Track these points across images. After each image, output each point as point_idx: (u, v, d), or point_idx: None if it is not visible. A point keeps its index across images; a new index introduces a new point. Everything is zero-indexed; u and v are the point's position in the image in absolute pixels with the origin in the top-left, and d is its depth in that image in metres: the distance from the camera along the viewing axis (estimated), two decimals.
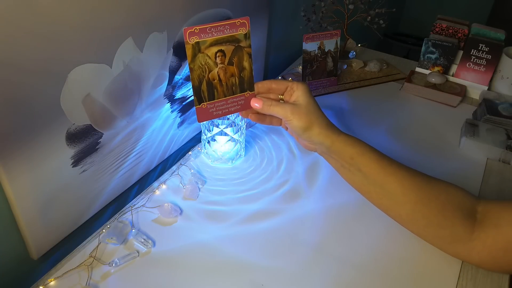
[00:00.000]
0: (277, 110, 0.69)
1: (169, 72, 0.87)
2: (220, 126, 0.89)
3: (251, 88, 0.73)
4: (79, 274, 0.70)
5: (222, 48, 0.69)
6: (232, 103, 0.74)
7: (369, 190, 0.73)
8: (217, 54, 0.69)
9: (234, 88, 0.72)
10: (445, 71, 1.29)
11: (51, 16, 0.59)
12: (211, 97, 0.72)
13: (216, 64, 0.69)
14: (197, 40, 0.66)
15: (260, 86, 0.72)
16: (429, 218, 0.68)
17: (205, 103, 0.72)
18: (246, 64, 0.72)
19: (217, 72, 0.70)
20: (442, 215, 0.67)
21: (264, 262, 0.74)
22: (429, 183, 0.70)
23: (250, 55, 0.71)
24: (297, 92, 0.69)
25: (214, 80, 0.70)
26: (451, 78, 1.29)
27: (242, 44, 0.70)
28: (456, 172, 0.97)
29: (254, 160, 0.97)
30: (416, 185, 0.69)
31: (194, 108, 1.00)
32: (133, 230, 0.77)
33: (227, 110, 0.74)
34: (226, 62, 0.70)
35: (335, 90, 1.25)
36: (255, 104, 0.70)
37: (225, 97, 0.72)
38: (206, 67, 0.69)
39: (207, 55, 0.68)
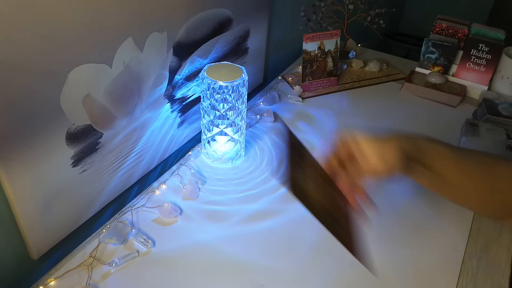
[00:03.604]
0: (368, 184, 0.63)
1: (169, 72, 0.87)
2: (220, 126, 0.89)
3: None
4: (79, 274, 0.70)
5: None
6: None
7: (443, 190, 0.68)
8: None
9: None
10: (445, 71, 1.29)
11: (51, 16, 0.59)
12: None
13: None
14: None
15: (330, 164, 0.65)
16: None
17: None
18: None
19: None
20: None
21: (264, 262, 0.74)
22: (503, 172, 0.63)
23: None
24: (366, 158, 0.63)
25: None
26: (451, 78, 1.29)
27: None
28: None
29: (254, 160, 0.97)
30: (492, 178, 0.63)
31: (194, 108, 1.01)
32: (133, 230, 0.77)
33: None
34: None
35: (335, 90, 1.25)
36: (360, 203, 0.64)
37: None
38: None
39: None
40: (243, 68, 0.88)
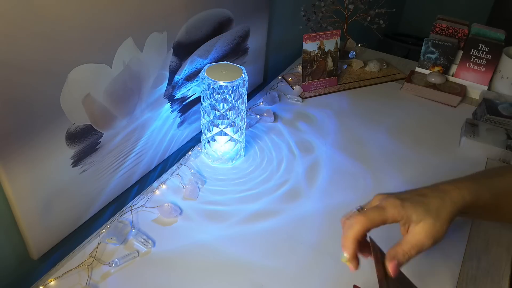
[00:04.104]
0: (404, 257, 0.57)
1: (169, 72, 0.87)
2: (220, 126, 0.89)
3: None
4: (79, 274, 0.70)
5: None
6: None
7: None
8: None
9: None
10: (445, 71, 1.29)
11: (51, 16, 0.59)
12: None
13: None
14: None
15: (351, 249, 0.57)
16: None
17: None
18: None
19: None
20: None
21: (264, 262, 0.74)
22: None
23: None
24: (411, 227, 0.57)
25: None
26: (451, 78, 1.29)
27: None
28: (456, 172, 0.97)
29: (254, 160, 0.97)
30: None
31: (194, 108, 1.01)
32: (133, 230, 0.77)
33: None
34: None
35: (335, 90, 1.25)
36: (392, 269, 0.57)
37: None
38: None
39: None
40: (243, 68, 0.88)
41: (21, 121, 0.60)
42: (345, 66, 1.35)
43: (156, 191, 0.86)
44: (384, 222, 0.56)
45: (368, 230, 0.56)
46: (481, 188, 0.60)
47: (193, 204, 0.84)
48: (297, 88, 1.20)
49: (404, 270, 0.75)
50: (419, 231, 0.56)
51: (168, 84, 0.88)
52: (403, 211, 0.56)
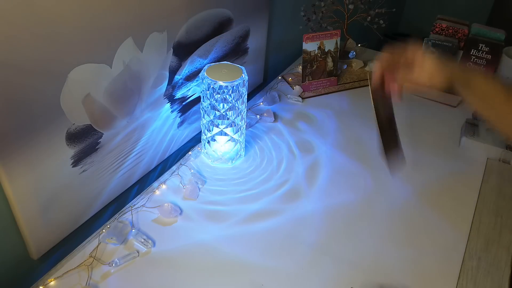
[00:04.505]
0: (413, 89, 0.73)
1: (169, 72, 0.87)
2: (220, 126, 0.89)
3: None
4: (79, 274, 0.70)
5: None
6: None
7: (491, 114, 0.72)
8: None
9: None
10: None
11: (51, 17, 0.59)
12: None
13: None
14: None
15: (378, 74, 0.75)
16: None
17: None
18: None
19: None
20: None
21: (264, 262, 0.74)
22: None
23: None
24: (421, 63, 0.71)
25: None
26: None
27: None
28: (456, 171, 0.97)
29: (254, 160, 0.97)
30: None
31: (194, 108, 1.01)
32: (133, 230, 0.77)
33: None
34: None
35: (335, 90, 1.25)
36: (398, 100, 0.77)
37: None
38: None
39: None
40: (243, 68, 0.88)
41: (21, 121, 0.60)
42: (345, 66, 1.35)
43: (156, 191, 0.86)
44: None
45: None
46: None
47: (193, 204, 0.84)
48: (297, 88, 1.20)
49: (404, 269, 0.75)
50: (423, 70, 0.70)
51: (168, 84, 0.88)
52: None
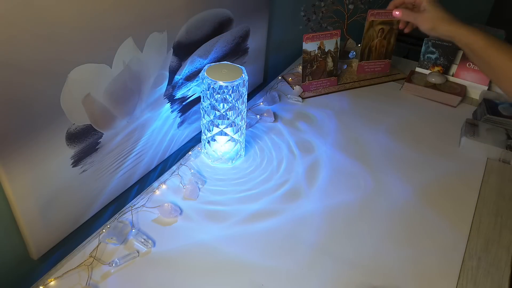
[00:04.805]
0: (408, 18, 0.89)
1: (169, 72, 0.87)
2: (220, 126, 0.89)
3: (390, 57, 1.29)
4: (79, 274, 0.70)
5: (383, 27, 1.22)
6: (378, 65, 1.29)
7: (494, 78, 0.82)
8: (379, 30, 1.23)
9: (381, 55, 1.28)
10: (445, 71, 1.29)
11: (51, 17, 0.59)
12: (368, 58, 1.28)
13: (377, 36, 1.22)
14: (372, 19, 1.18)
15: (397, 1, 0.92)
16: None
17: (363, 62, 1.27)
18: (392, 40, 1.26)
19: (376, 42, 1.24)
20: None
21: (264, 262, 0.74)
22: None
23: (396, 35, 1.26)
24: (424, 3, 0.86)
25: (372, 47, 1.25)
26: (451, 78, 1.29)
27: (394, 26, 1.23)
28: (456, 172, 0.97)
29: (254, 160, 0.97)
30: None
31: (194, 108, 1.01)
32: (133, 230, 0.77)
33: (373, 70, 1.30)
34: (382, 37, 1.23)
35: (335, 90, 1.25)
36: (396, 13, 0.90)
37: (375, 60, 1.28)
38: (371, 37, 1.24)
39: (374, 30, 1.22)
40: (243, 68, 0.88)
41: (21, 121, 0.60)
42: (345, 66, 1.35)
43: (156, 191, 0.86)
44: None
45: None
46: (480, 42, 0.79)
47: (193, 204, 0.84)
48: (297, 88, 1.21)
49: (404, 269, 0.75)
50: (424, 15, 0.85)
51: (168, 84, 0.88)
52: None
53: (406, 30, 0.96)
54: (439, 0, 0.85)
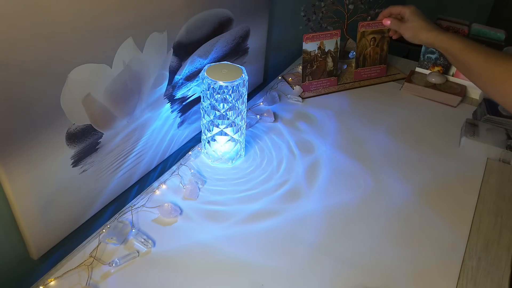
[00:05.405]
0: (395, 27, 1.01)
1: (169, 72, 0.87)
2: (220, 126, 0.89)
3: (385, 63, 1.30)
4: (79, 274, 0.70)
5: (375, 36, 1.25)
6: (374, 70, 1.30)
7: (472, 79, 0.88)
8: (371, 39, 1.25)
9: (375, 61, 1.29)
10: (445, 71, 1.29)
11: (51, 16, 0.59)
12: (363, 65, 1.28)
13: (370, 45, 1.25)
14: (364, 30, 1.22)
15: (386, 13, 1.04)
16: None
17: (359, 69, 1.28)
18: (385, 47, 1.28)
19: (369, 50, 1.26)
20: None
21: (264, 262, 0.74)
22: None
23: (388, 42, 1.27)
24: (406, 14, 0.97)
25: (366, 55, 1.26)
26: (451, 78, 1.29)
27: (386, 34, 1.25)
28: (456, 172, 0.97)
29: (254, 160, 0.97)
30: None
31: (194, 108, 1.01)
32: (133, 230, 0.77)
33: (370, 75, 1.30)
34: (375, 45, 1.26)
35: (335, 90, 1.25)
36: (387, 22, 1.02)
37: (370, 66, 1.29)
38: (365, 46, 1.26)
39: (366, 39, 1.24)
40: (243, 68, 0.88)
41: (21, 121, 0.60)
42: (345, 66, 1.35)
43: (156, 191, 0.86)
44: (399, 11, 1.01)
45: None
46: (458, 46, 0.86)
47: (193, 204, 0.84)
48: (297, 88, 1.21)
49: (404, 269, 0.75)
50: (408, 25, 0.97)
51: (168, 84, 0.88)
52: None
53: (394, 37, 1.07)
54: (422, 10, 0.98)
